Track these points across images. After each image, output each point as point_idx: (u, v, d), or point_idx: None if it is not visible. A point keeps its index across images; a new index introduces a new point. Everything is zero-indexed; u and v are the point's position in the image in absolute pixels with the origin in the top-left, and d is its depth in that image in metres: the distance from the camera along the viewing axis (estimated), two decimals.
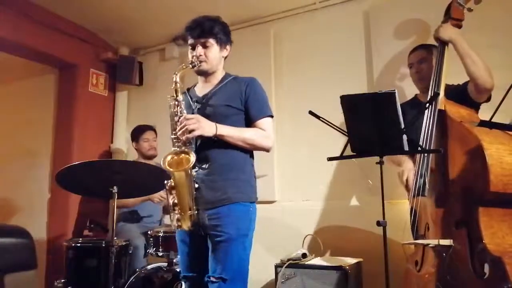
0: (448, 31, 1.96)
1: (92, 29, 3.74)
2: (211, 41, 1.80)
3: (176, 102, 1.73)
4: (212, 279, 1.66)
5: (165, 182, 1.66)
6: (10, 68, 4.12)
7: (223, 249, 1.66)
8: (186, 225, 1.65)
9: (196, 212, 1.66)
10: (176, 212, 1.64)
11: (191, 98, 1.88)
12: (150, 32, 3.68)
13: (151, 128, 3.30)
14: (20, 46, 3.30)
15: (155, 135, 3.29)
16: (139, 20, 3.48)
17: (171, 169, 1.61)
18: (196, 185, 1.70)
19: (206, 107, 1.80)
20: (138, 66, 3.88)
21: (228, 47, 1.90)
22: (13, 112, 4.22)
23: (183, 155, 1.66)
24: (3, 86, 4.38)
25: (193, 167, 1.75)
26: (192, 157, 1.62)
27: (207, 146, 1.74)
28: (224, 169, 1.73)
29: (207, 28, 1.78)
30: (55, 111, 3.86)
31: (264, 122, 1.80)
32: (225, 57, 1.92)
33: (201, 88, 1.91)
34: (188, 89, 1.98)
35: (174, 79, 1.74)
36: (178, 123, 1.68)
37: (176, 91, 1.74)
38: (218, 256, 1.66)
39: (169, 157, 1.66)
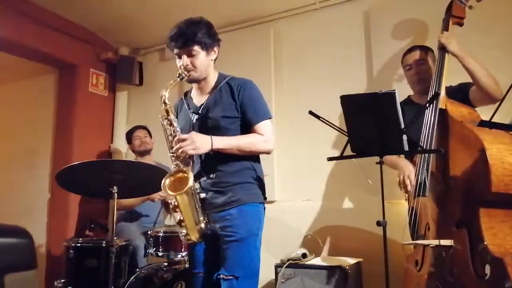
0: (454, 45, 1.94)
1: (92, 29, 3.74)
2: (196, 48, 1.75)
3: (168, 122, 1.72)
4: (223, 276, 1.66)
5: (169, 202, 1.68)
6: (10, 68, 4.12)
7: (235, 248, 1.67)
8: (195, 236, 1.68)
9: (204, 223, 1.68)
10: (183, 228, 1.67)
11: (188, 107, 1.87)
12: (150, 32, 3.68)
13: (141, 127, 3.36)
14: (20, 46, 3.30)
15: (146, 132, 3.34)
16: (139, 20, 3.48)
17: (172, 193, 1.61)
18: (203, 195, 1.71)
19: (205, 120, 1.78)
20: (138, 66, 3.88)
21: (216, 49, 1.84)
22: (13, 112, 4.23)
23: (180, 173, 1.66)
24: (3, 86, 4.38)
25: (201, 176, 1.78)
26: (190, 177, 1.61)
27: (213, 156, 1.74)
28: (232, 176, 1.74)
29: (190, 37, 1.73)
30: (55, 111, 3.86)
31: (262, 126, 1.77)
32: (215, 59, 1.87)
33: (197, 96, 1.88)
34: (186, 94, 1.96)
35: (163, 99, 1.71)
36: (174, 143, 1.67)
37: (167, 112, 1.72)
38: (230, 255, 1.67)
39: (167, 181, 1.65)
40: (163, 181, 1.64)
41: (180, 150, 1.64)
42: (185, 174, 1.63)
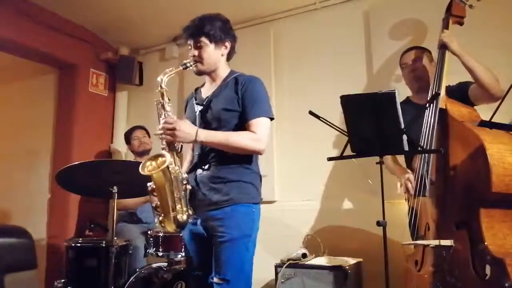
0: (456, 43, 1.95)
1: (92, 29, 3.74)
2: (204, 40, 1.75)
3: (161, 105, 1.72)
4: (215, 280, 1.66)
5: (148, 184, 1.65)
6: (10, 68, 4.12)
7: (226, 250, 1.65)
8: (171, 227, 1.63)
9: (187, 214, 1.65)
10: (159, 214, 1.63)
11: (195, 99, 1.87)
12: (150, 32, 3.68)
13: (139, 127, 3.36)
14: (20, 46, 3.30)
15: (145, 132, 3.34)
16: (139, 20, 3.48)
17: (148, 173, 1.59)
18: (189, 187, 1.69)
19: (207, 111, 1.78)
20: (138, 66, 3.88)
21: (227, 44, 1.82)
22: (13, 112, 4.23)
23: (160, 158, 1.63)
24: (3, 86, 4.38)
25: (196, 168, 1.76)
26: (168, 158, 1.59)
27: (209, 149, 1.73)
28: (226, 172, 1.71)
29: (198, 28, 1.74)
30: (55, 111, 3.86)
31: (256, 123, 1.70)
32: (229, 55, 1.86)
33: (206, 89, 1.88)
34: (197, 89, 1.95)
35: (159, 82, 1.71)
36: (160, 126, 1.67)
37: (162, 94, 1.72)
38: (220, 257, 1.66)
39: (147, 163, 1.63)
40: (142, 162, 1.63)
41: (160, 133, 1.64)
42: (164, 158, 1.60)
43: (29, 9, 3.23)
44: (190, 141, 1.66)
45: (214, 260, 1.68)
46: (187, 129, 1.65)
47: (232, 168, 1.72)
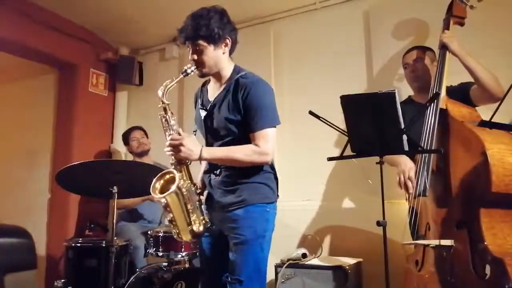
0: (456, 44, 1.95)
1: (92, 29, 3.74)
2: (201, 42, 1.66)
3: (165, 120, 1.68)
4: (229, 279, 1.66)
5: (162, 201, 1.62)
6: (10, 68, 4.12)
7: (240, 251, 1.66)
8: (187, 238, 1.65)
9: (203, 223, 1.65)
10: (175, 227, 1.65)
11: (202, 101, 1.83)
12: (150, 32, 3.68)
13: (137, 127, 3.37)
14: (20, 46, 3.30)
15: (143, 133, 3.35)
16: (139, 20, 3.48)
17: (160, 196, 1.56)
18: (203, 197, 1.68)
19: (213, 119, 1.75)
20: (138, 66, 3.88)
21: (227, 41, 1.73)
22: (13, 112, 4.23)
23: (168, 175, 1.61)
24: (3, 86, 4.38)
25: (208, 173, 1.77)
26: (177, 178, 1.55)
27: None
28: (239, 176, 1.70)
29: (194, 30, 1.64)
30: (55, 111, 3.86)
31: (260, 135, 1.65)
32: (231, 49, 1.78)
33: (212, 88, 1.84)
34: (204, 84, 1.91)
35: (159, 97, 1.66)
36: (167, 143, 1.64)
37: (165, 109, 1.67)
38: (235, 258, 1.66)
39: (157, 184, 1.61)
40: (152, 184, 1.61)
41: (168, 149, 1.62)
42: (172, 175, 1.59)
43: (29, 9, 3.23)
44: (194, 159, 1.63)
45: (229, 261, 1.68)
46: (191, 149, 1.61)
47: (242, 171, 1.70)
